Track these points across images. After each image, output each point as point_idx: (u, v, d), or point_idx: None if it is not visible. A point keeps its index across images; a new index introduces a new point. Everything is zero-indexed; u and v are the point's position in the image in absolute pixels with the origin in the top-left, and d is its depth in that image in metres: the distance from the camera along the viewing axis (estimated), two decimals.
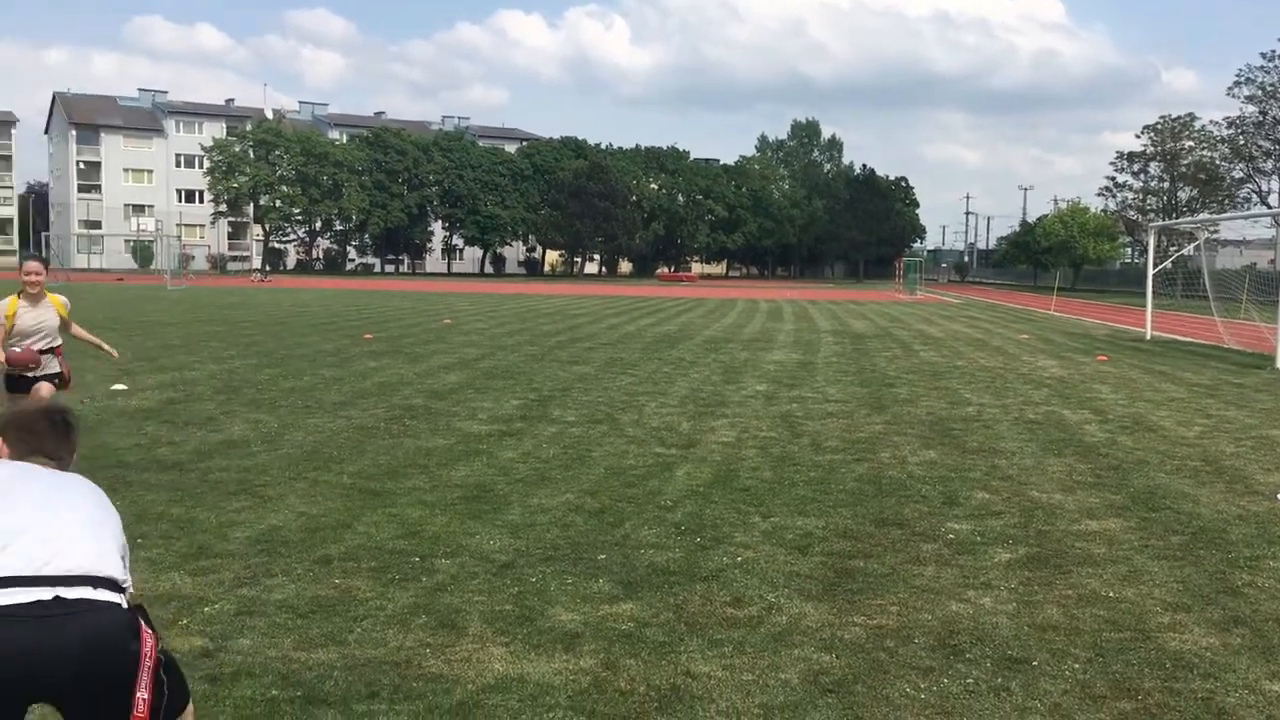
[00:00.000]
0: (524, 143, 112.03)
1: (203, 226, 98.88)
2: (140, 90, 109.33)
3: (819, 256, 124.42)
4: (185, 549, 6.01)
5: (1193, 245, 30.18)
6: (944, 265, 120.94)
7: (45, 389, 7.58)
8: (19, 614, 2.47)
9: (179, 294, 43.72)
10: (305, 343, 19.98)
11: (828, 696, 4.20)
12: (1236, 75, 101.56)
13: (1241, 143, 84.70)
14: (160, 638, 2.77)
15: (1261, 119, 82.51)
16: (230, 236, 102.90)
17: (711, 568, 5.88)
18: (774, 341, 23.00)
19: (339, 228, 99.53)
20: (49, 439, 3.04)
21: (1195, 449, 9.96)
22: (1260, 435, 10.90)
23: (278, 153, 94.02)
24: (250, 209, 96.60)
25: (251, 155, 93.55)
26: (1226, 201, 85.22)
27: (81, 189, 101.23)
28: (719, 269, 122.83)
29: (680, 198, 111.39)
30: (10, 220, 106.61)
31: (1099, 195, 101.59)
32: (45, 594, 2.51)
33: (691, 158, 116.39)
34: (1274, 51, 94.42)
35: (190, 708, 2.87)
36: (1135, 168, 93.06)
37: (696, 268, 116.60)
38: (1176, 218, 72.50)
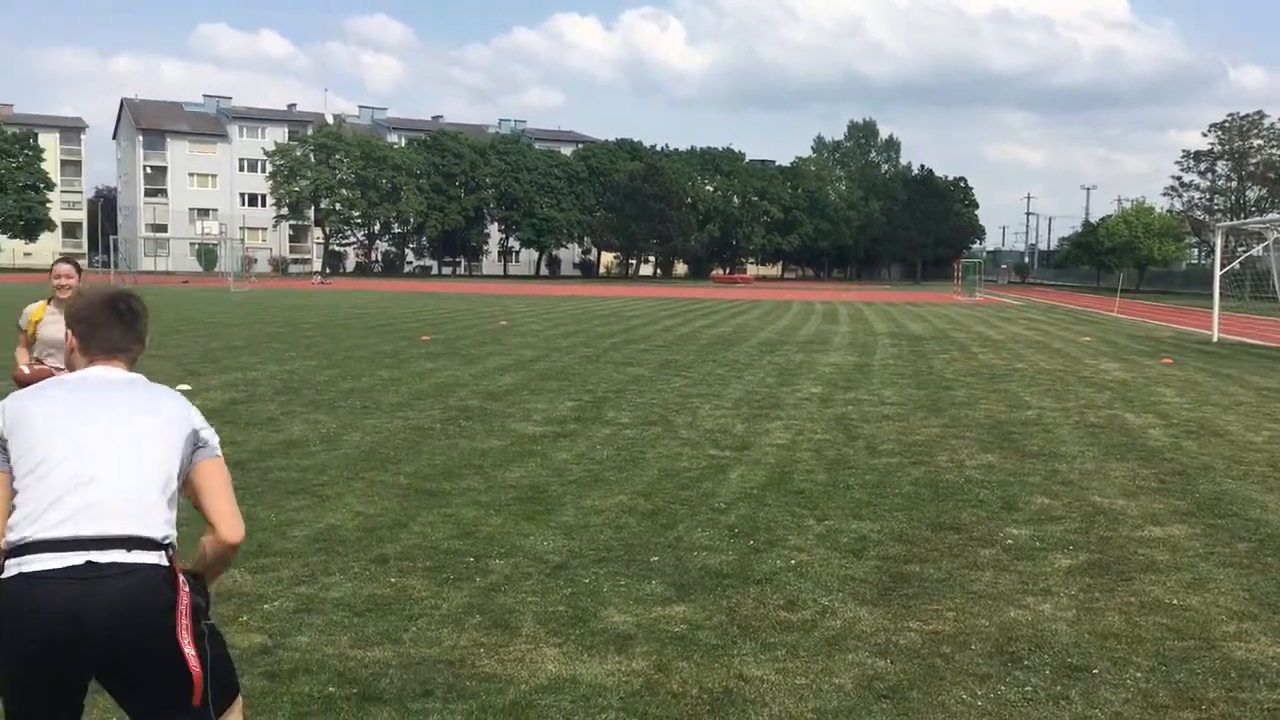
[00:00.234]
0: (579, 145, 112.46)
1: (265, 230, 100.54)
2: (205, 96, 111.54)
3: (876, 258, 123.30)
4: (245, 547, 6.00)
5: (1261, 246, 29.37)
6: (1004, 266, 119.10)
7: None
8: (50, 578, 2.44)
9: (242, 296, 44.55)
10: (364, 344, 20.23)
11: (882, 702, 4.16)
12: None
13: None
14: (207, 596, 2.73)
15: None
16: (291, 240, 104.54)
17: (765, 570, 5.85)
18: (829, 344, 22.84)
19: (397, 230, 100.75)
20: (116, 329, 2.84)
21: (1263, 454, 9.72)
22: None
23: (338, 156, 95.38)
24: (311, 212, 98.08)
25: (312, 159, 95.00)
26: None
27: (148, 193, 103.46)
28: (774, 271, 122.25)
29: (735, 199, 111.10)
30: (80, 224, 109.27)
31: (1164, 195, 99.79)
32: (77, 559, 2.47)
33: (747, 159, 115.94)
34: None
35: (239, 702, 2.81)
36: (1202, 167, 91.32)
37: (752, 269, 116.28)
38: (1244, 217, 70.88)
